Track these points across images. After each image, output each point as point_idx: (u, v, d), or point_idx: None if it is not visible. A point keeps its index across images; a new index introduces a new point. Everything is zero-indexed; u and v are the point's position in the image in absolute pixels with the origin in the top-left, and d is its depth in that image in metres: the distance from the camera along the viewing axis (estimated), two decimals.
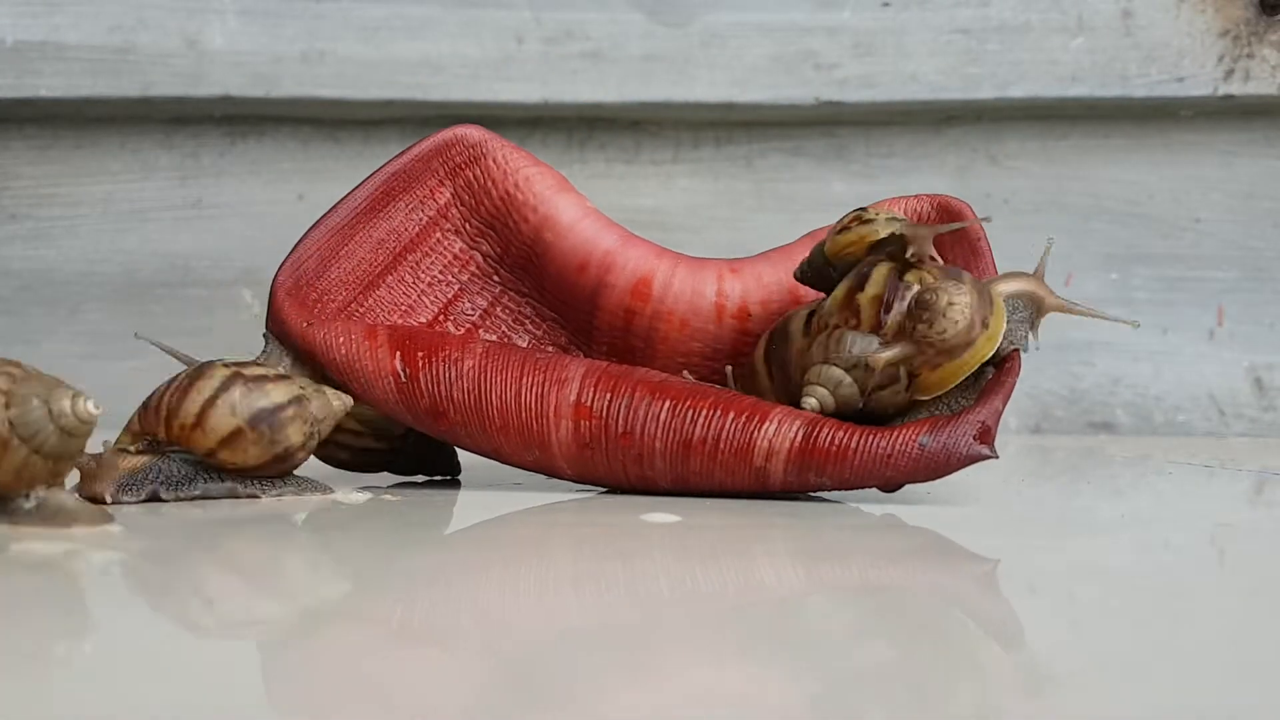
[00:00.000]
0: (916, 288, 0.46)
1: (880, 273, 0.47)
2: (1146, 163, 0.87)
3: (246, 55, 0.84)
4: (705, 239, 0.87)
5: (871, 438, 0.47)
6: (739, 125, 0.87)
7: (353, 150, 0.87)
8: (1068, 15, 0.84)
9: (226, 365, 0.48)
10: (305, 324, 0.51)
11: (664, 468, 0.49)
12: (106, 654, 0.27)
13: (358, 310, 0.54)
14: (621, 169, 0.88)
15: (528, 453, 0.50)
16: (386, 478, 0.56)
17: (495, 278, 0.55)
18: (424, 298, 0.55)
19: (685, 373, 0.53)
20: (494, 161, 0.54)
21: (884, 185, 0.87)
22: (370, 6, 0.84)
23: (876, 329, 0.47)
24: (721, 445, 0.48)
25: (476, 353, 0.51)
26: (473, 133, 0.55)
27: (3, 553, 0.37)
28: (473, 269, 0.55)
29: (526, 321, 0.55)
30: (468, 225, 0.55)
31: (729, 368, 0.52)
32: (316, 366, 0.51)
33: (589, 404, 0.49)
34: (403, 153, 0.55)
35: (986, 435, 0.47)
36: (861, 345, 0.47)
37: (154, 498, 0.47)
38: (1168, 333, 0.87)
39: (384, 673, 0.25)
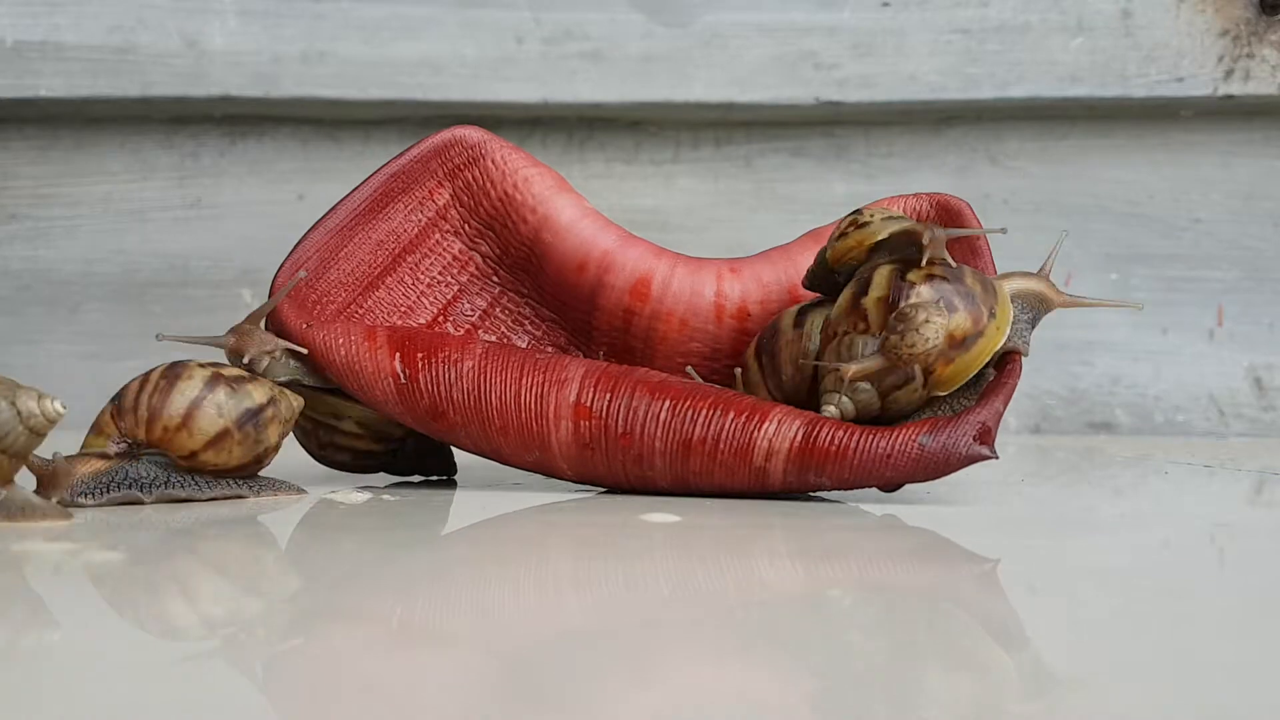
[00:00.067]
0: (920, 287, 0.46)
1: (882, 275, 0.47)
2: (1146, 163, 0.87)
3: (246, 55, 0.84)
4: (705, 239, 0.87)
5: (871, 438, 0.47)
6: (739, 125, 0.87)
7: (353, 150, 0.87)
8: (1068, 15, 0.84)
9: (202, 365, 0.48)
10: (304, 325, 0.51)
11: (664, 468, 0.49)
12: (106, 654, 0.27)
13: (357, 311, 0.54)
14: (621, 169, 0.88)
15: (528, 453, 0.50)
16: (384, 478, 0.56)
17: (494, 278, 0.55)
18: (423, 299, 0.55)
19: (689, 368, 0.53)
20: (493, 162, 0.54)
21: (884, 185, 0.87)
22: (370, 6, 0.84)
23: (886, 329, 0.47)
24: (721, 445, 0.48)
25: (476, 353, 0.51)
26: (471, 134, 0.55)
27: (3, 552, 0.37)
28: (472, 270, 0.55)
29: (526, 322, 0.55)
30: (467, 226, 0.55)
31: (737, 370, 0.52)
32: (316, 368, 0.51)
33: (589, 404, 0.49)
34: (402, 154, 0.55)
35: (986, 436, 0.47)
36: (874, 347, 0.47)
37: (128, 501, 0.46)
38: (1168, 333, 0.87)
39: (383, 673, 0.25)
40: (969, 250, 0.51)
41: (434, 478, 0.56)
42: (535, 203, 0.54)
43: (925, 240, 0.47)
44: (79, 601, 0.32)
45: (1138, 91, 0.84)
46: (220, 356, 0.52)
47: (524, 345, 0.55)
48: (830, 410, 0.47)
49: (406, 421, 0.51)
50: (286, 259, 0.53)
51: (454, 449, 0.56)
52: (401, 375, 0.50)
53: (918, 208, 0.53)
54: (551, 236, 0.54)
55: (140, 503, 0.46)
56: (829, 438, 0.47)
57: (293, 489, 0.50)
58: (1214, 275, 0.87)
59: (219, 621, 0.30)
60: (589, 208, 0.55)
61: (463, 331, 0.55)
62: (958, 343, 0.46)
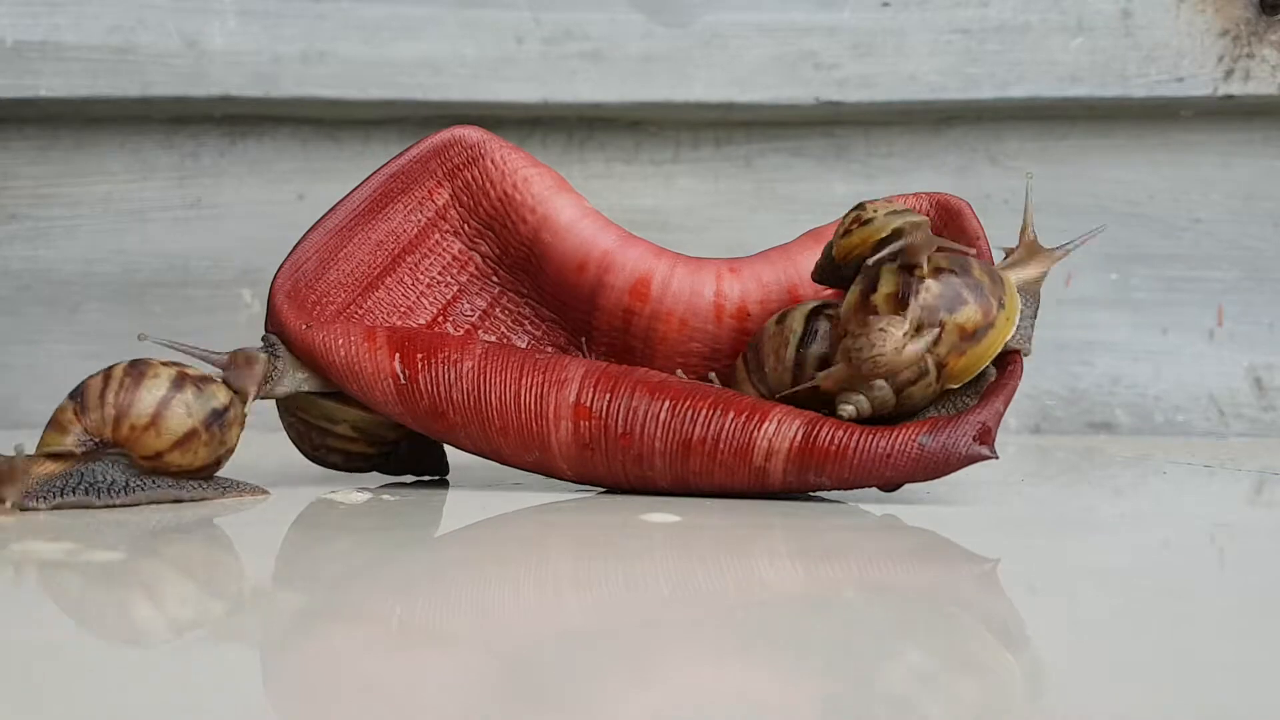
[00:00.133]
0: (929, 281, 0.47)
1: (890, 270, 0.47)
2: (1146, 163, 0.87)
3: (246, 55, 0.84)
4: (705, 239, 0.87)
5: (871, 437, 0.47)
6: (739, 125, 0.87)
7: (353, 150, 0.87)
8: (1068, 15, 0.84)
9: (164, 363, 0.47)
10: (304, 326, 0.51)
11: (664, 468, 0.49)
12: (106, 654, 0.27)
13: (357, 312, 0.54)
14: (621, 169, 0.88)
15: (527, 453, 0.50)
16: (381, 478, 0.56)
17: (494, 278, 0.55)
18: (423, 299, 0.55)
19: (679, 371, 0.53)
20: (492, 162, 0.54)
21: (884, 185, 0.87)
22: (370, 6, 0.84)
23: None
24: (721, 445, 0.48)
25: (475, 354, 0.51)
26: (471, 133, 0.55)
27: (2, 551, 0.37)
28: (471, 270, 0.55)
29: (525, 322, 0.55)
30: (466, 226, 0.55)
31: (712, 374, 0.52)
32: (316, 369, 0.51)
33: (588, 404, 0.49)
34: (401, 154, 0.55)
35: (986, 436, 0.47)
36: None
37: (80, 506, 0.45)
38: (1168, 333, 0.87)
39: (383, 673, 0.25)
40: (969, 246, 0.51)
41: (426, 478, 0.56)
42: (535, 203, 0.54)
43: (909, 250, 0.47)
44: (79, 601, 0.32)
45: (1138, 91, 0.84)
46: (183, 358, 0.51)
47: (524, 345, 0.55)
48: (847, 410, 0.47)
49: (406, 422, 0.51)
50: (285, 260, 0.53)
51: (448, 450, 0.56)
52: (401, 376, 0.50)
53: (918, 207, 0.53)
54: (551, 236, 0.54)
55: (92, 507, 0.45)
56: (829, 438, 0.47)
57: (256, 490, 0.49)
58: (1214, 275, 0.87)
59: (218, 621, 0.30)
60: (589, 208, 0.55)
61: (462, 332, 0.55)
62: (969, 335, 0.46)
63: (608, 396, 0.49)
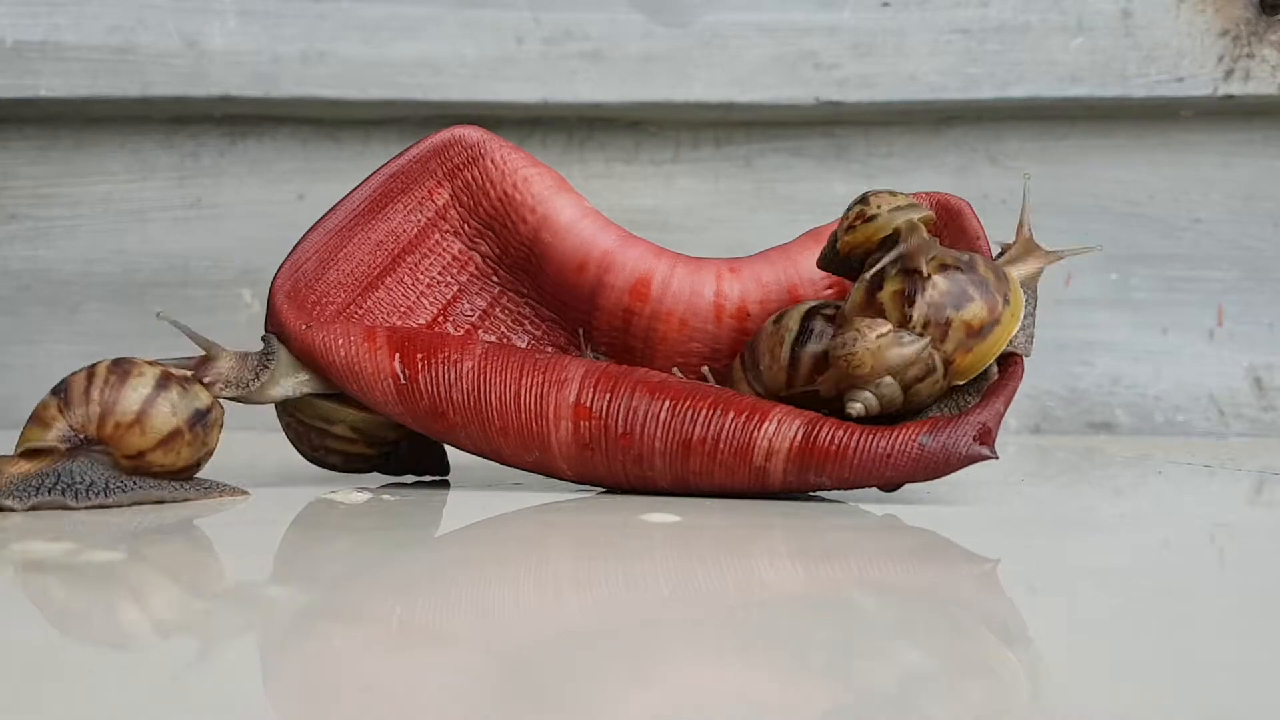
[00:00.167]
0: (936, 278, 0.47)
1: (895, 268, 0.47)
2: (1146, 163, 0.87)
3: (246, 55, 0.84)
4: (705, 239, 0.87)
5: (871, 437, 0.47)
6: (739, 125, 0.87)
7: (353, 150, 0.87)
8: (1068, 15, 0.84)
9: (150, 362, 0.47)
10: (304, 327, 0.51)
11: (664, 468, 0.49)
12: (106, 654, 0.27)
13: (356, 312, 0.54)
14: (621, 169, 0.88)
15: (528, 454, 0.50)
16: (382, 478, 0.56)
17: (494, 278, 0.55)
18: (423, 299, 0.55)
19: (675, 370, 0.53)
20: (492, 162, 0.54)
21: (884, 185, 0.87)
22: (370, 6, 0.84)
23: (904, 323, 0.47)
24: (721, 445, 0.48)
25: (475, 354, 0.51)
26: (471, 133, 0.55)
27: (3, 551, 0.37)
28: (471, 270, 0.55)
29: (525, 322, 0.55)
30: (466, 226, 0.55)
31: (705, 369, 0.53)
32: (316, 369, 0.51)
33: (588, 404, 0.49)
34: (401, 154, 0.55)
35: (986, 436, 0.47)
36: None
37: (55, 507, 0.44)
38: (1168, 333, 0.87)
39: (383, 673, 0.25)
40: (969, 250, 0.51)
41: (427, 478, 0.56)
42: (535, 202, 0.54)
43: (906, 255, 0.47)
44: (79, 602, 0.32)
45: (1138, 91, 0.84)
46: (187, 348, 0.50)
47: (524, 345, 0.55)
48: (855, 407, 0.47)
49: (406, 422, 0.51)
50: (285, 261, 0.53)
51: (449, 450, 0.56)
52: (401, 376, 0.50)
53: None
54: (551, 236, 0.54)
55: (68, 508, 0.44)
56: (829, 437, 0.47)
57: (236, 491, 0.49)
58: (1214, 275, 0.87)
59: (218, 622, 0.30)
60: (589, 207, 0.55)
61: (462, 332, 0.55)
62: (975, 332, 0.47)
63: (608, 396, 0.49)
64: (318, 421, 0.52)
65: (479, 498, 0.51)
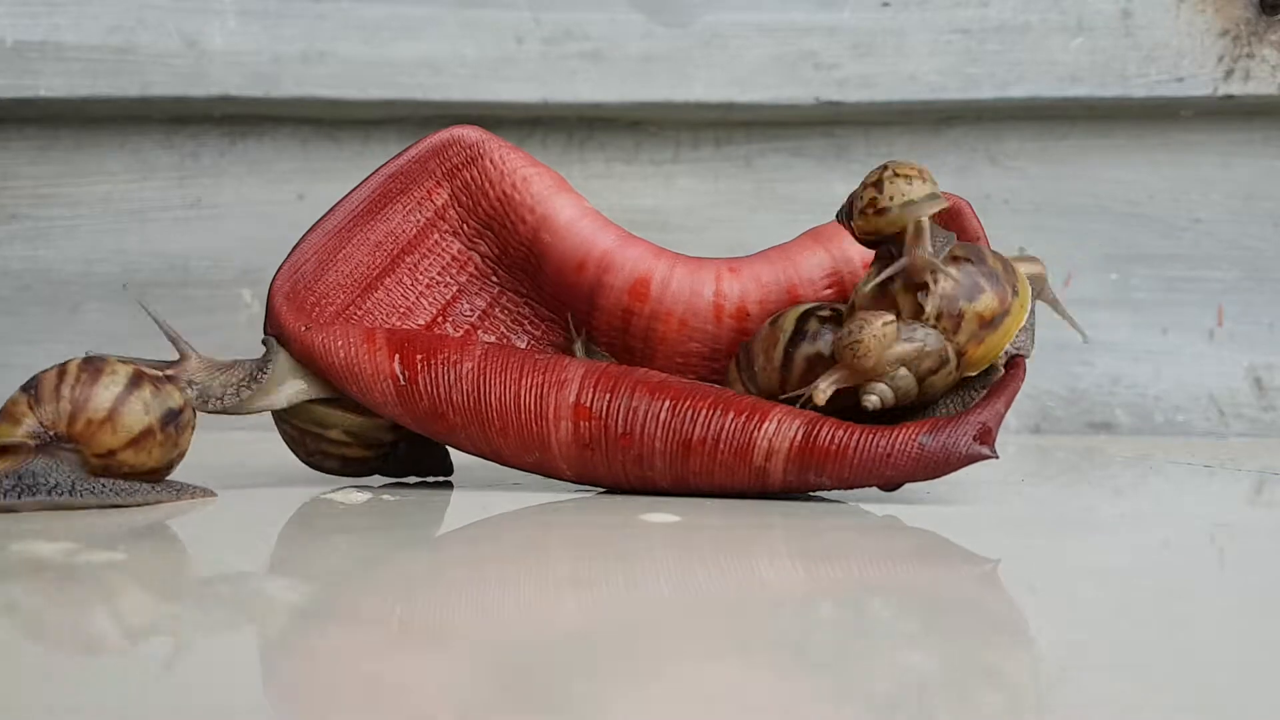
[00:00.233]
0: (949, 268, 0.47)
1: (898, 281, 0.48)
2: (1146, 163, 0.87)
3: (246, 55, 0.84)
4: (705, 239, 0.87)
5: (871, 437, 0.47)
6: (739, 125, 0.87)
7: (352, 150, 0.87)
8: (1068, 15, 0.84)
9: (122, 361, 0.46)
10: (303, 328, 0.51)
11: (664, 468, 0.49)
12: (105, 654, 0.27)
13: (356, 313, 0.54)
14: (621, 169, 0.88)
15: (528, 454, 0.50)
16: (383, 478, 0.56)
17: (493, 278, 0.55)
18: (422, 299, 0.55)
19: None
20: (491, 162, 0.54)
21: None
22: (370, 6, 0.84)
23: (917, 316, 0.47)
24: (721, 445, 0.48)
25: (475, 355, 0.51)
26: (470, 133, 0.55)
27: (2, 552, 0.37)
28: (471, 270, 0.55)
29: (525, 322, 0.55)
30: (465, 226, 0.55)
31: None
32: (316, 371, 0.51)
33: (588, 405, 0.49)
34: (400, 154, 0.55)
35: (987, 436, 0.47)
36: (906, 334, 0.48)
37: (4, 509, 0.43)
38: (1168, 333, 0.87)
39: (383, 673, 0.25)
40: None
41: (430, 479, 0.56)
42: (534, 202, 0.54)
43: (909, 269, 0.47)
44: (78, 601, 0.32)
45: (1138, 91, 0.84)
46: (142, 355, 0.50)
47: (524, 345, 0.55)
48: (871, 400, 0.47)
49: (406, 423, 0.51)
50: (284, 262, 0.53)
51: (452, 450, 0.56)
52: (401, 377, 0.50)
53: None
54: (550, 236, 0.54)
55: (15, 510, 0.44)
56: (829, 437, 0.47)
57: (205, 492, 0.48)
58: (1214, 275, 0.87)
59: (218, 621, 0.30)
60: (588, 207, 0.55)
61: (462, 332, 0.55)
62: (987, 323, 0.47)
63: (608, 397, 0.49)
64: (312, 426, 0.52)
65: (479, 498, 0.51)
